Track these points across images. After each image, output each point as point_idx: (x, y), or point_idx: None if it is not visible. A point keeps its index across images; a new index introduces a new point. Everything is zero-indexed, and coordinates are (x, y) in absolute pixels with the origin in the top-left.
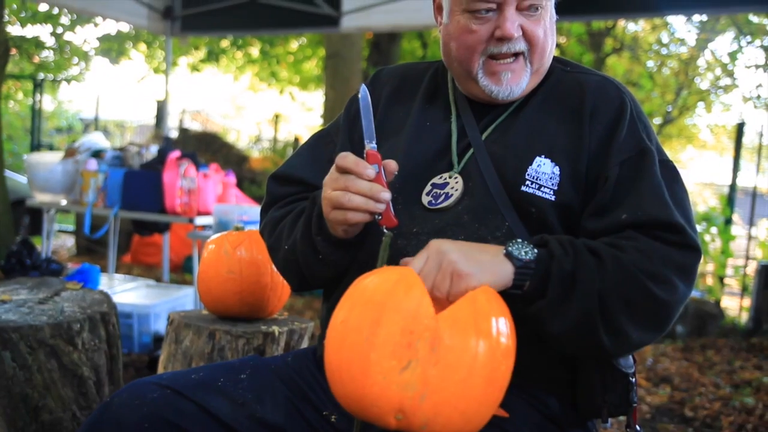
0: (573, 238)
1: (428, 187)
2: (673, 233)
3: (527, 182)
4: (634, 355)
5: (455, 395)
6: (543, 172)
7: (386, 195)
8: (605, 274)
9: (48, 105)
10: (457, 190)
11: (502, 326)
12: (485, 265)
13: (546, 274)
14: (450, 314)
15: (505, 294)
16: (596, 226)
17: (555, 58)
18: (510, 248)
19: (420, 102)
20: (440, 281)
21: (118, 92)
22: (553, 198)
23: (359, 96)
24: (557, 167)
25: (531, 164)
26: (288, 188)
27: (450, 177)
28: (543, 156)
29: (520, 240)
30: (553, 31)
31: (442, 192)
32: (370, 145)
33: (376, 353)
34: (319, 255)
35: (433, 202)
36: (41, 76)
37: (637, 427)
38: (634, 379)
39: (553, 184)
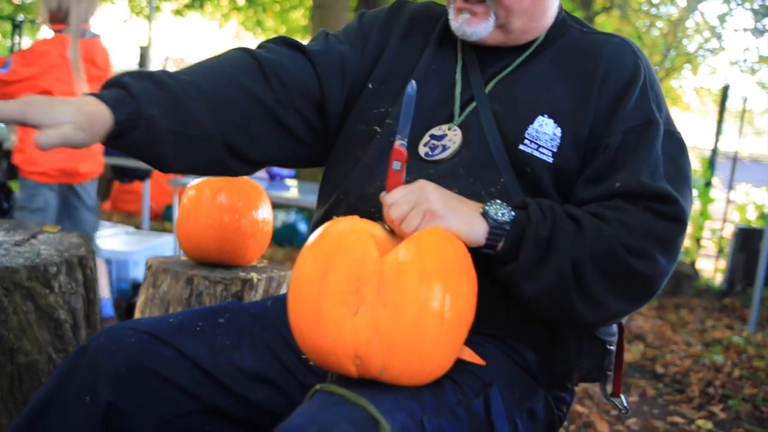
0: (555, 203)
1: (426, 138)
2: (665, 204)
3: (526, 141)
4: (621, 325)
5: (408, 336)
6: (544, 133)
7: None
8: (583, 243)
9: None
10: (454, 142)
11: (452, 264)
12: (459, 214)
13: (520, 237)
14: (394, 256)
15: (479, 253)
16: (589, 194)
17: (573, 18)
18: (487, 207)
19: (432, 45)
20: (412, 217)
21: (100, 37)
22: (551, 160)
23: (407, 90)
24: (559, 128)
25: (532, 123)
26: (277, 46)
27: (449, 129)
28: (546, 116)
29: (499, 201)
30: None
31: (439, 144)
32: (400, 141)
33: (326, 303)
34: None
35: (430, 153)
36: (20, 17)
37: (622, 397)
38: (612, 347)
39: (552, 146)
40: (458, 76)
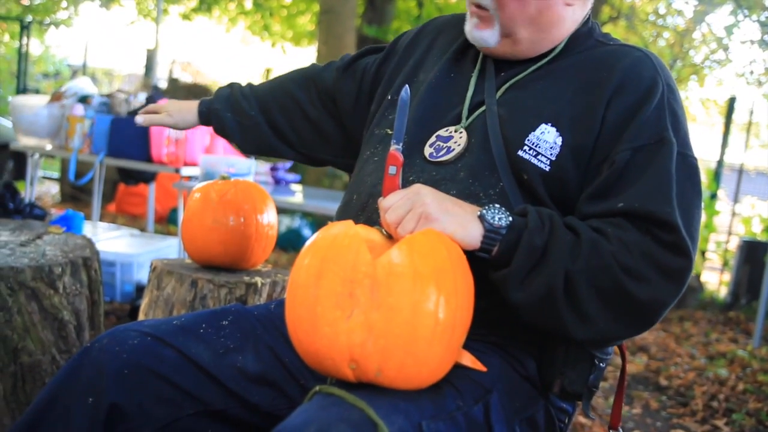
0: (555, 213)
1: (432, 139)
2: (666, 232)
3: (525, 148)
4: (623, 349)
5: (402, 338)
6: (545, 141)
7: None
8: (578, 256)
9: (35, 49)
10: (459, 145)
11: (445, 265)
12: (455, 217)
13: (514, 243)
14: (387, 258)
15: (476, 256)
16: (592, 209)
17: (602, 33)
18: (484, 211)
19: (453, 54)
20: (408, 220)
21: (108, 40)
22: (547, 168)
23: (401, 95)
24: (561, 137)
25: (534, 131)
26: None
27: (455, 131)
28: (549, 124)
29: (498, 205)
30: (548, 11)
31: (444, 145)
32: (396, 147)
33: (320, 306)
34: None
35: (434, 154)
36: (29, 18)
37: (620, 429)
38: (602, 364)
39: (551, 155)
40: (473, 81)
